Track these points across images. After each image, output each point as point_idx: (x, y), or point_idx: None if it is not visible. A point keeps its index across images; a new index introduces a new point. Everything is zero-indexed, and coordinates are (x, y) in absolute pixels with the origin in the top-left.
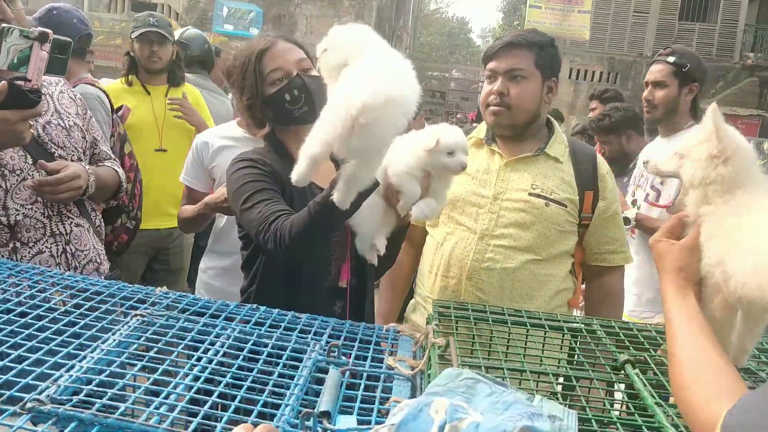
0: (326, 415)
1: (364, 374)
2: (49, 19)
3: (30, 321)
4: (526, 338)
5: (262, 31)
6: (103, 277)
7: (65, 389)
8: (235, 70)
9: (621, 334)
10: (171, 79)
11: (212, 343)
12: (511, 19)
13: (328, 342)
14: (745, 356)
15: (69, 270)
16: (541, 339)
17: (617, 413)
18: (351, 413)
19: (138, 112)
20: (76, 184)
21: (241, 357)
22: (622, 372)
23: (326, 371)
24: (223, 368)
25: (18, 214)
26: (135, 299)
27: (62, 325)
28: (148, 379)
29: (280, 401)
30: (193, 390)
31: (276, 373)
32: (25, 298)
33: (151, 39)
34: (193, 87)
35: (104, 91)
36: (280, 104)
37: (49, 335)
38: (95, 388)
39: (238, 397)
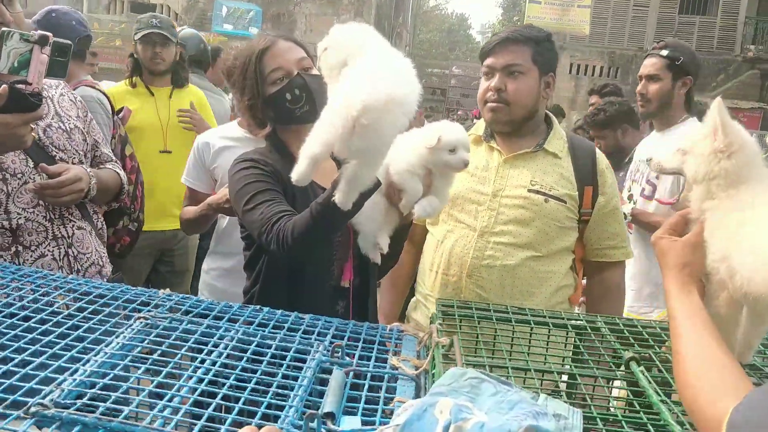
0: (330, 416)
1: (368, 374)
2: (47, 21)
3: (33, 325)
4: (530, 336)
5: (261, 30)
6: (105, 279)
7: (69, 393)
8: (235, 70)
9: (625, 331)
10: (175, 80)
11: (216, 345)
12: (510, 15)
13: (331, 342)
14: (751, 352)
15: (71, 273)
16: (545, 337)
17: (621, 411)
18: (355, 414)
19: (142, 114)
20: (78, 187)
21: (245, 358)
22: (624, 369)
23: (330, 372)
24: (227, 370)
25: (20, 218)
26: (138, 302)
27: (65, 329)
28: (152, 381)
29: (284, 402)
30: (197, 392)
31: (280, 375)
32: (28, 302)
33: (154, 40)
34: (197, 88)
35: (104, 94)
36: (281, 104)
37: (53, 339)
38: (99, 392)
39: (242, 399)
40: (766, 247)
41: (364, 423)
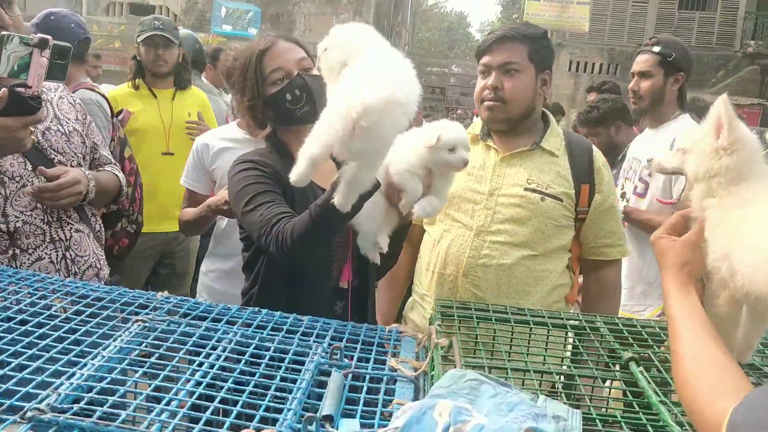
0: (329, 419)
1: (367, 376)
2: (46, 24)
3: (30, 328)
4: (530, 337)
5: (260, 31)
6: (103, 282)
7: (66, 397)
8: (235, 70)
9: (624, 331)
10: (177, 82)
11: (214, 348)
12: (509, 12)
13: (330, 344)
14: (750, 352)
15: (69, 276)
16: (543, 337)
17: (620, 412)
18: (354, 416)
19: (145, 116)
20: (76, 190)
21: (243, 361)
22: (619, 369)
23: (329, 374)
24: (225, 373)
25: (17, 221)
26: (136, 304)
27: (63, 332)
28: (150, 385)
29: (282, 405)
30: (195, 396)
31: (278, 377)
32: (25, 305)
33: (157, 42)
34: (199, 90)
35: (104, 96)
36: (281, 104)
37: (50, 342)
38: (96, 396)
39: (240, 402)
40: (767, 244)
41: (362, 425)
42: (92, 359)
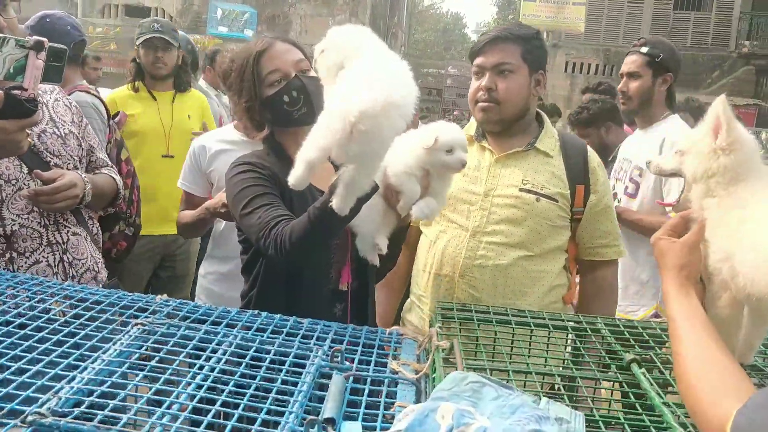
0: (331, 421)
1: (368, 379)
2: (42, 26)
3: (29, 332)
4: (531, 339)
5: (257, 32)
6: (101, 285)
7: (66, 401)
8: (231, 72)
9: (626, 332)
10: (177, 84)
11: (214, 351)
12: (505, 13)
13: (330, 347)
14: (752, 353)
15: (66, 279)
16: (544, 339)
17: (622, 414)
18: (356, 419)
19: (145, 119)
20: (73, 193)
21: (244, 364)
22: (617, 371)
23: (330, 377)
24: (226, 376)
25: (14, 224)
26: (135, 308)
27: (62, 336)
28: (150, 388)
29: (283, 408)
30: (195, 399)
31: (279, 380)
32: (24, 309)
33: (156, 45)
34: (199, 93)
35: (100, 98)
36: (278, 106)
37: (50, 346)
38: (97, 400)
39: (242, 405)
40: (767, 243)
41: (364, 428)
42: (92, 363)
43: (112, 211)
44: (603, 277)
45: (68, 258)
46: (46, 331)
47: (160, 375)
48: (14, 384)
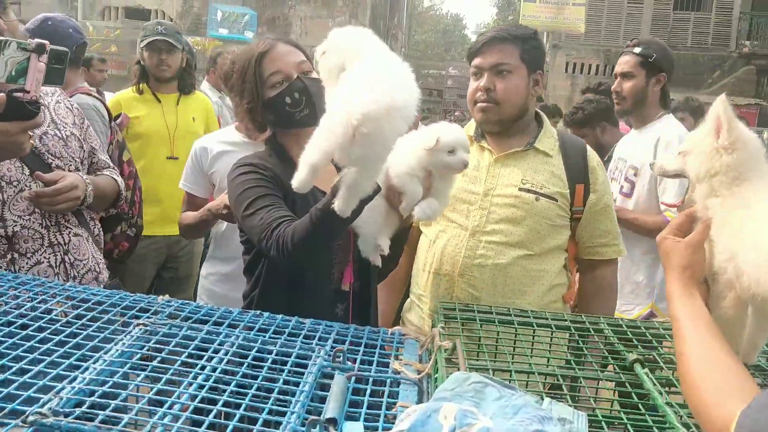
0: (332, 422)
1: (370, 379)
2: (44, 29)
3: (31, 333)
4: (533, 339)
5: (257, 34)
6: (102, 286)
7: (68, 401)
8: (233, 73)
9: (628, 332)
10: (181, 86)
11: (216, 351)
12: (505, 14)
13: (332, 347)
14: (756, 353)
15: (67, 280)
16: (546, 339)
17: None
18: (357, 419)
19: (149, 121)
20: (74, 195)
21: (246, 364)
22: (620, 370)
23: (332, 377)
24: (228, 376)
25: (16, 225)
26: (137, 308)
27: (64, 336)
28: (152, 389)
29: (285, 408)
30: (197, 399)
31: (281, 380)
32: (26, 309)
33: (160, 47)
34: (203, 95)
35: (101, 100)
36: (280, 107)
37: (51, 347)
38: (98, 400)
39: (243, 406)
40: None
41: (366, 428)
42: (94, 363)
43: (114, 212)
44: (603, 276)
45: (69, 259)
46: (48, 331)
47: (161, 375)
48: (16, 384)
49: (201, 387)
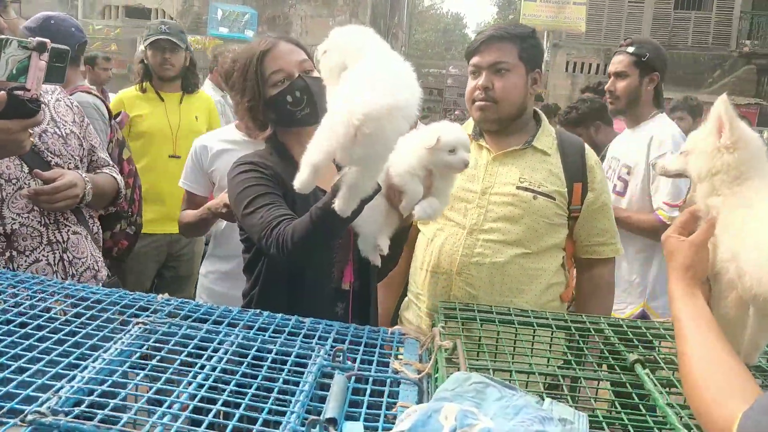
0: (332, 421)
1: (370, 379)
2: (46, 28)
3: (30, 331)
4: (533, 338)
5: (257, 33)
6: (101, 284)
7: (67, 400)
8: (234, 72)
9: (629, 332)
10: (185, 85)
11: (215, 350)
12: (506, 13)
13: (332, 346)
14: (757, 354)
15: (66, 278)
16: (546, 339)
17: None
18: (357, 419)
19: (152, 119)
20: (73, 193)
21: (245, 363)
22: (616, 370)
23: (331, 376)
24: (227, 375)
25: (14, 223)
26: (136, 307)
27: (63, 335)
28: (151, 388)
29: (285, 408)
30: (196, 398)
31: (281, 380)
32: (24, 308)
33: (163, 46)
34: (207, 94)
35: (101, 99)
36: (281, 106)
37: (50, 345)
38: (97, 399)
39: (243, 405)
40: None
41: (366, 428)
42: (93, 362)
43: (114, 211)
44: (600, 275)
45: (68, 257)
46: (47, 329)
47: (161, 374)
48: (14, 383)
49: (200, 386)
